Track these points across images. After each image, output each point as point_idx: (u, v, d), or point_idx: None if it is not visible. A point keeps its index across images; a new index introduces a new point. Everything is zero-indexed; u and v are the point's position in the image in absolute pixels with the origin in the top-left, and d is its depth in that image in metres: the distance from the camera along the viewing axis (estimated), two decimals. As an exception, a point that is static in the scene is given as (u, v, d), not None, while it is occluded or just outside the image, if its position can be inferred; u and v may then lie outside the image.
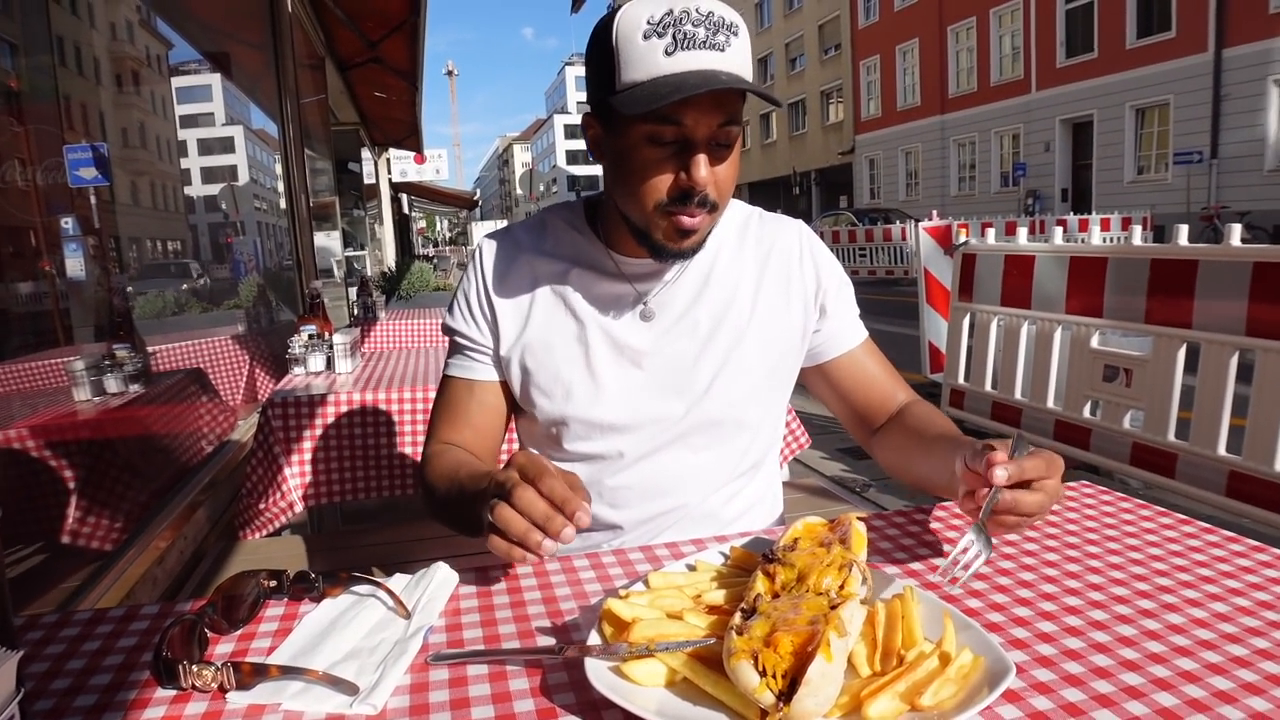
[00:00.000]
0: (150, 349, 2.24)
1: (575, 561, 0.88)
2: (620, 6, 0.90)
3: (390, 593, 0.78)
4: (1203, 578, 0.78)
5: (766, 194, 37.14)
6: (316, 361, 2.46)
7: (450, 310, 1.15)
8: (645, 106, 0.86)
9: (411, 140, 11.49)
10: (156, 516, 1.97)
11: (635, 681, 0.61)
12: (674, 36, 0.87)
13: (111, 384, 1.93)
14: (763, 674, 0.55)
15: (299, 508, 2.07)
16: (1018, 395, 3.68)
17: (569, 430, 1.09)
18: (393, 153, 13.98)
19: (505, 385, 1.14)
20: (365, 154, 11.06)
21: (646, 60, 0.88)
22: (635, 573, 0.85)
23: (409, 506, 2.59)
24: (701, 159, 0.91)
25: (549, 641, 0.71)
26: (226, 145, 3.71)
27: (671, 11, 0.87)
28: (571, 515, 0.74)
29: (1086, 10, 20.51)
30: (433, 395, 2.10)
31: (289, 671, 0.64)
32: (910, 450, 1.05)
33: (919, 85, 27.02)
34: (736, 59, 0.89)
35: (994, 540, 0.81)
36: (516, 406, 1.16)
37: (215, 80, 3.57)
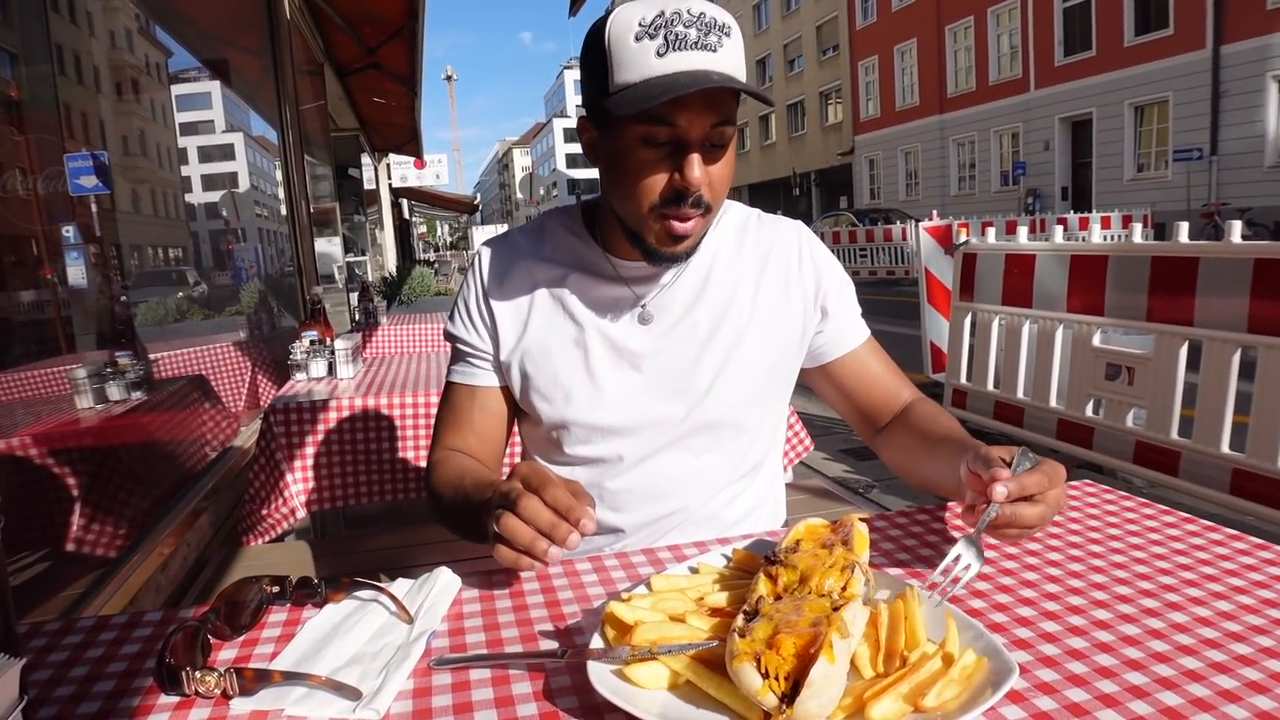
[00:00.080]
0: (152, 356, 2.24)
1: (577, 565, 0.88)
2: (614, 10, 0.90)
3: (393, 597, 0.78)
4: (1206, 576, 0.78)
5: (766, 195, 37.15)
6: (318, 367, 2.46)
7: (451, 317, 1.15)
8: (637, 107, 0.87)
9: (411, 145, 11.51)
10: (159, 523, 1.97)
11: (638, 684, 0.61)
12: (665, 38, 0.87)
13: (114, 391, 1.93)
14: (765, 676, 0.55)
15: (301, 513, 2.07)
16: (1020, 394, 3.68)
17: (569, 434, 1.09)
18: (393, 158, 14.02)
19: (507, 390, 1.14)
20: (365, 159, 11.08)
21: (639, 62, 0.88)
22: (637, 575, 0.85)
23: (412, 510, 2.59)
24: (695, 159, 0.91)
25: (552, 645, 0.71)
26: (227, 152, 3.72)
27: (663, 13, 0.88)
28: (576, 522, 0.76)
29: (1084, 8, 20.53)
30: (434, 400, 2.11)
31: (292, 677, 0.64)
32: (916, 451, 1.05)
33: (917, 85, 27.04)
34: (729, 59, 0.90)
35: (986, 553, 0.81)
36: (519, 411, 1.16)
37: (215, 87, 3.58)
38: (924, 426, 1.05)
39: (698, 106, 0.89)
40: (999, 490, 0.74)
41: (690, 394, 1.06)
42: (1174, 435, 2.89)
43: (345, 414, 2.10)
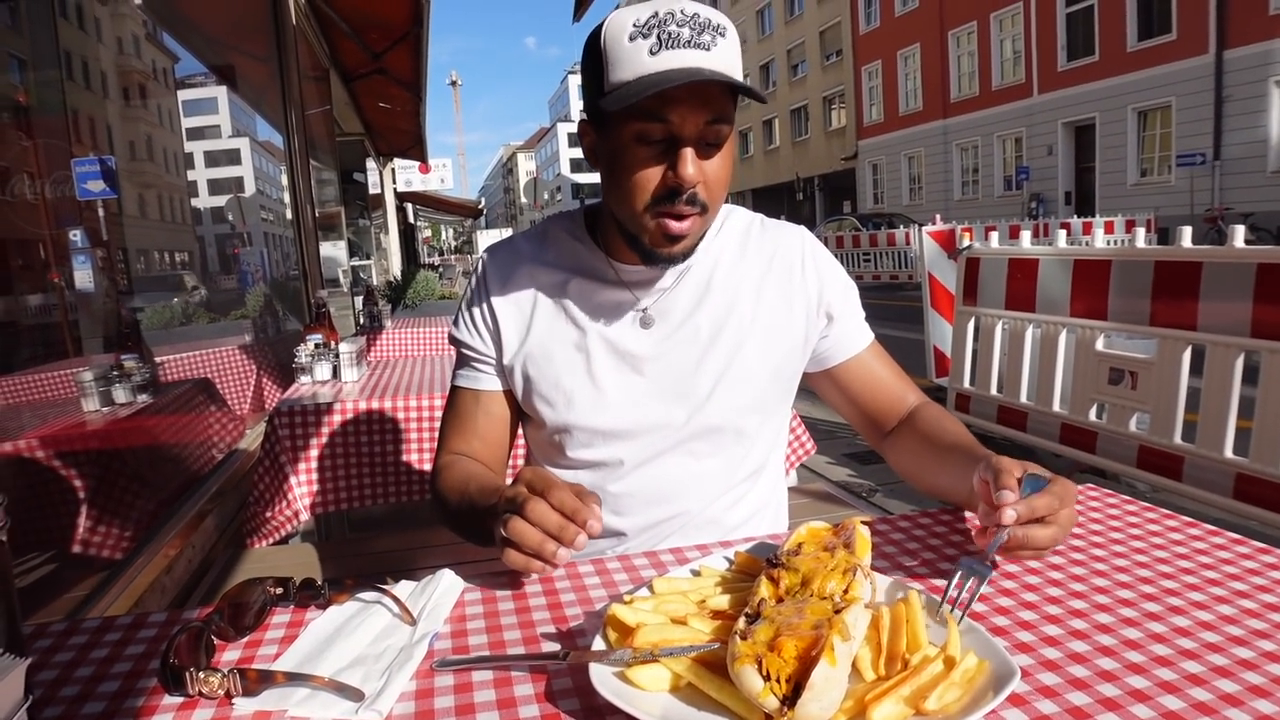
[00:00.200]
0: (158, 359, 2.25)
1: (580, 567, 0.88)
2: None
3: (395, 599, 0.78)
4: (1208, 580, 0.78)
5: (770, 200, 37.17)
6: (323, 370, 2.47)
7: (456, 322, 1.16)
8: (625, 102, 0.88)
9: (416, 150, 11.54)
10: (164, 525, 1.97)
11: (639, 686, 0.61)
12: (658, 36, 0.88)
13: (120, 394, 1.94)
14: (767, 678, 0.56)
15: (305, 515, 2.08)
16: (1023, 399, 3.67)
17: (571, 438, 1.09)
18: (397, 162, 14.05)
19: (510, 394, 1.14)
20: (370, 164, 11.12)
21: (632, 60, 0.89)
22: (640, 578, 0.85)
23: (416, 513, 2.59)
24: (688, 154, 0.91)
25: (553, 647, 0.71)
26: (233, 157, 3.73)
27: (657, 14, 0.89)
28: (583, 524, 0.77)
29: (1087, 13, 20.53)
30: (438, 403, 2.11)
31: (295, 678, 0.64)
32: (924, 457, 1.05)
33: (921, 90, 27.05)
34: (722, 58, 0.90)
35: (997, 559, 0.80)
36: (523, 414, 1.16)
37: (221, 93, 3.60)
38: (932, 432, 1.05)
39: (691, 103, 0.90)
40: (1008, 514, 0.74)
41: (692, 399, 1.06)
42: (1177, 440, 2.88)
43: (349, 417, 2.10)
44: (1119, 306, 3.14)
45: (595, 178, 1.04)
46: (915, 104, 27.49)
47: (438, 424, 1.20)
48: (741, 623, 0.62)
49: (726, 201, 1.13)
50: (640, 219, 0.96)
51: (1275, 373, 2.53)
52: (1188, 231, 2.98)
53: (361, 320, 4.31)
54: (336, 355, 2.46)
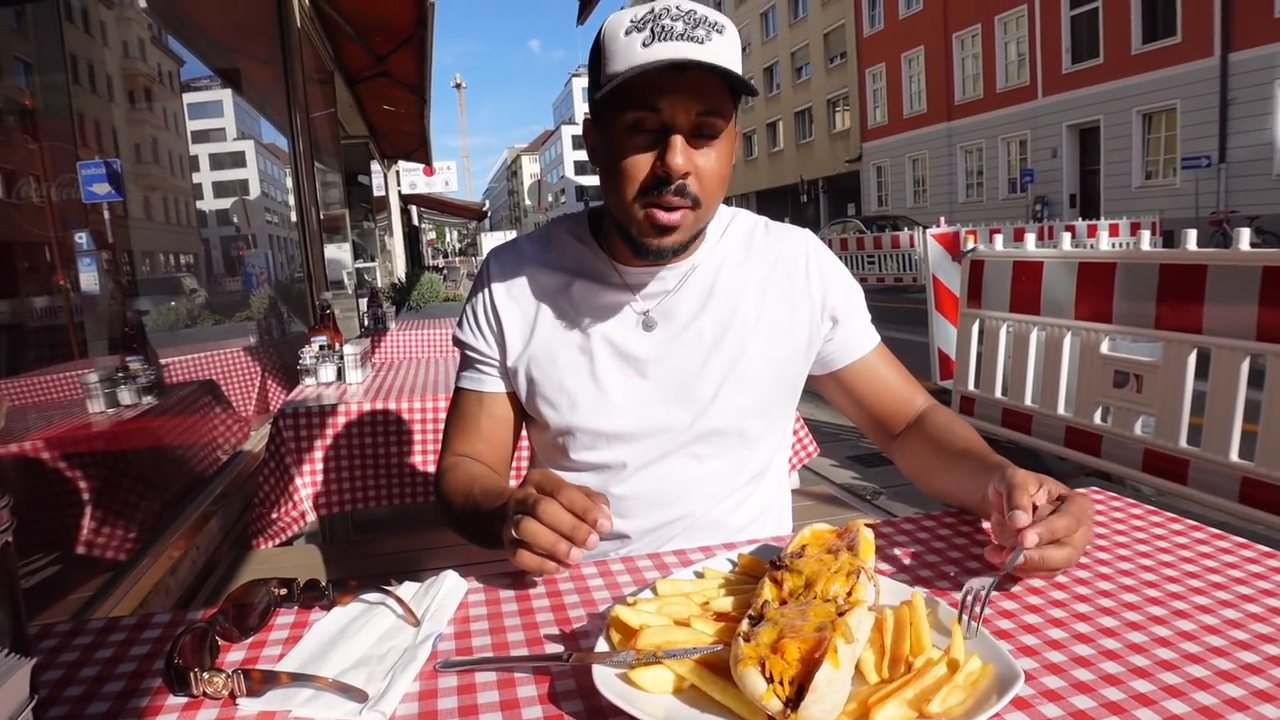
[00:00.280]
0: (163, 361, 2.26)
1: (583, 569, 0.88)
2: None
3: (399, 600, 0.78)
4: (1213, 584, 0.78)
5: (774, 202, 37.17)
6: (327, 372, 2.47)
7: (460, 324, 1.16)
8: (613, 85, 0.90)
9: (420, 152, 11.57)
10: (169, 527, 1.98)
11: (643, 688, 0.61)
12: (652, 30, 0.90)
13: (125, 396, 1.95)
14: (770, 681, 0.56)
15: (311, 517, 2.08)
16: (1028, 402, 3.66)
17: (575, 440, 1.09)
18: (402, 165, 14.07)
19: (514, 396, 1.15)
20: (375, 167, 11.14)
21: (626, 53, 0.91)
22: (643, 580, 0.85)
23: (420, 514, 2.59)
24: (676, 142, 0.92)
25: (557, 649, 0.71)
26: (238, 160, 3.74)
27: (653, 10, 0.91)
28: (594, 523, 0.78)
29: (1092, 16, 20.50)
30: (442, 405, 2.12)
31: (299, 678, 0.64)
32: (934, 462, 1.05)
33: (925, 92, 27.03)
34: (716, 52, 0.91)
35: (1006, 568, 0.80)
36: (528, 416, 1.16)
37: (226, 96, 3.61)
38: (942, 437, 1.05)
39: (682, 93, 0.91)
40: (1030, 538, 0.74)
41: (695, 401, 1.06)
42: (1183, 443, 2.87)
43: (354, 419, 2.11)
44: (1124, 309, 3.13)
45: (599, 180, 1.05)
46: (919, 106, 27.47)
47: (442, 426, 1.20)
48: (745, 625, 0.62)
49: (730, 204, 1.14)
50: (630, 209, 0.96)
51: (1281, 376, 2.52)
52: (1193, 234, 2.98)
53: (366, 322, 4.32)
54: (341, 357, 2.46)
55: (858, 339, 1.14)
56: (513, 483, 1.19)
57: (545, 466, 1.17)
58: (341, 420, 2.10)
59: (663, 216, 0.95)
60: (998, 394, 3.88)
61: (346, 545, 2.48)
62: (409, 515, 2.79)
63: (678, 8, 0.91)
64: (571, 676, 0.66)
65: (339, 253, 7.15)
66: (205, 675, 0.64)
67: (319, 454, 2.08)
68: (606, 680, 0.61)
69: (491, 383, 1.14)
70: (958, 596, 0.72)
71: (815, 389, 1.20)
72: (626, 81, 0.90)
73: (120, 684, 0.68)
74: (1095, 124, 20.80)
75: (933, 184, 27.23)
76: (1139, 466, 3.05)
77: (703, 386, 1.06)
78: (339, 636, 0.74)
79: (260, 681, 0.64)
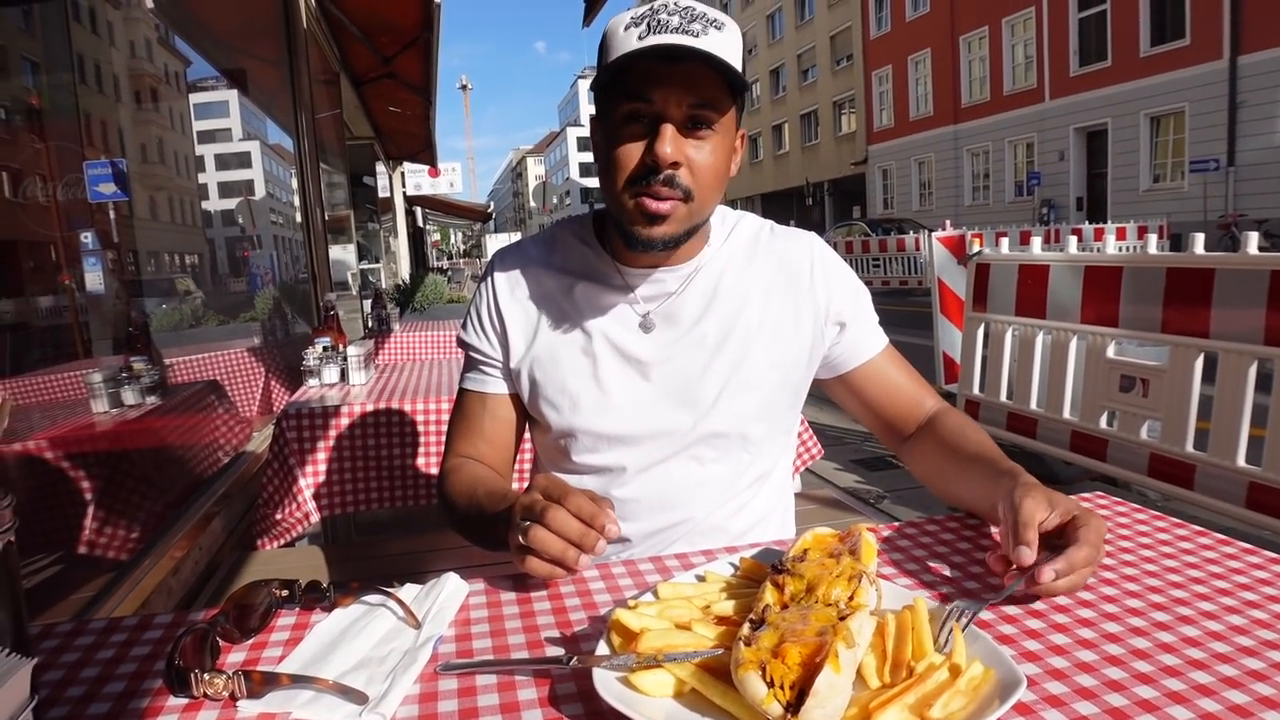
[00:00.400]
0: (167, 361, 2.26)
1: (585, 572, 0.88)
2: None
3: (400, 602, 0.78)
4: (1219, 590, 0.77)
5: (779, 205, 37.16)
6: (331, 373, 2.48)
7: (464, 325, 1.17)
8: (607, 74, 0.92)
9: (425, 154, 11.60)
10: (172, 527, 1.99)
11: (643, 692, 0.61)
12: (649, 24, 0.92)
13: (129, 396, 1.95)
14: (770, 685, 0.55)
15: (315, 517, 2.08)
16: (1033, 406, 3.65)
17: (577, 442, 1.09)
18: (407, 166, 14.10)
19: (517, 398, 1.15)
20: (380, 168, 11.16)
21: (623, 47, 0.92)
22: (644, 583, 0.85)
23: (423, 516, 2.59)
24: (666, 131, 0.92)
25: (557, 652, 0.71)
26: (243, 160, 3.76)
27: (652, 6, 0.93)
28: (601, 529, 0.78)
29: (1100, 18, 20.45)
30: (446, 407, 2.12)
31: (299, 680, 0.64)
32: (944, 466, 1.05)
33: (931, 95, 27.01)
34: (711, 46, 0.91)
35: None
36: (531, 418, 1.16)
37: (232, 96, 3.63)
38: (953, 441, 1.04)
39: (674, 85, 0.91)
40: (1046, 574, 0.72)
41: (698, 405, 1.06)
42: (1189, 448, 2.85)
43: (357, 420, 2.11)
44: (1130, 313, 3.12)
45: (597, 175, 1.05)
46: (926, 109, 27.44)
47: (445, 428, 1.21)
48: (746, 629, 0.62)
49: (736, 207, 1.13)
50: (620, 198, 0.97)
51: (1288, 380, 2.50)
52: (1200, 238, 2.96)
53: (370, 323, 4.33)
54: (344, 358, 2.47)
55: (865, 342, 1.14)
56: (515, 485, 1.20)
57: (547, 469, 1.17)
58: (345, 422, 2.10)
59: (651, 205, 0.95)
60: (1003, 398, 3.87)
61: (349, 547, 2.49)
62: (411, 517, 2.79)
63: (675, 3, 0.93)
64: (572, 679, 0.65)
65: (343, 254, 7.17)
66: (206, 676, 0.64)
67: (322, 455, 2.08)
68: (607, 683, 0.61)
69: (495, 384, 1.14)
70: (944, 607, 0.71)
71: (825, 392, 1.20)
72: (622, 74, 0.91)
73: (121, 685, 0.68)
74: (1103, 127, 20.75)
75: (939, 187, 27.19)
76: (1145, 471, 3.03)
77: (705, 389, 1.06)
78: (340, 638, 0.74)
79: (261, 683, 0.64)
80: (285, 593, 0.80)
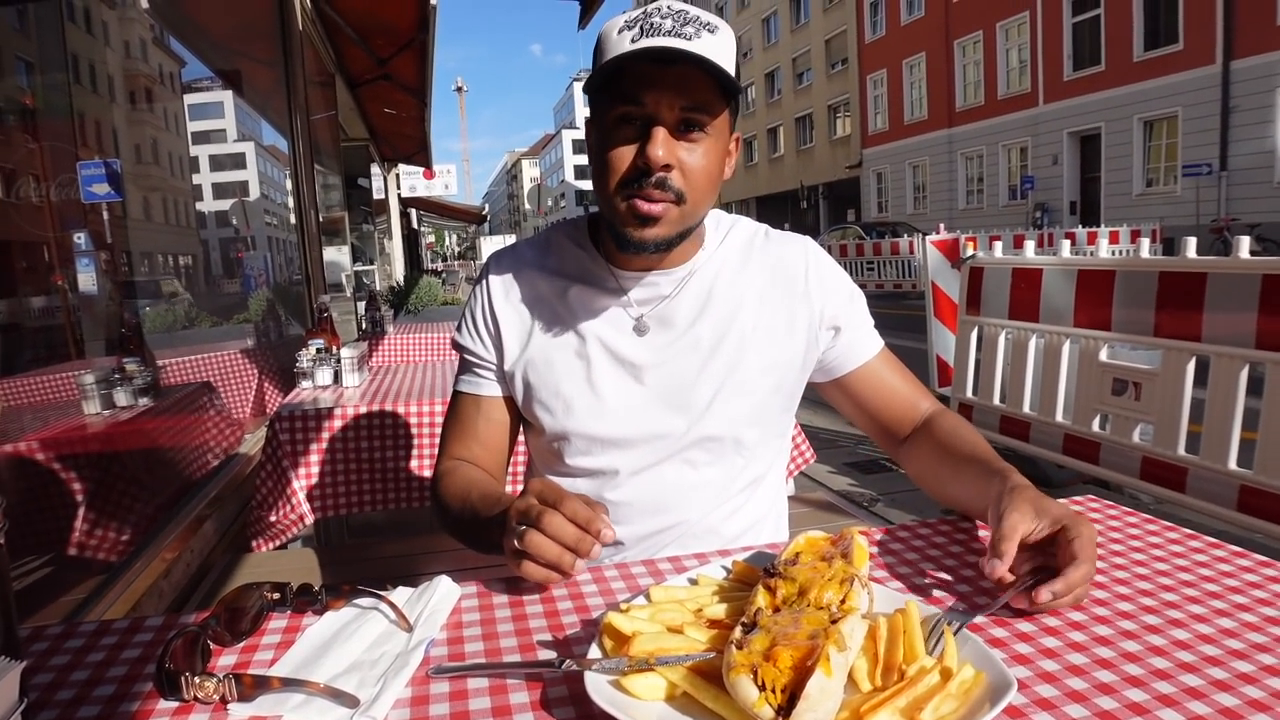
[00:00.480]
0: (159, 362, 2.25)
1: (577, 576, 0.88)
2: None
3: (392, 605, 0.78)
4: (1209, 592, 0.78)
5: (774, 208, 37.22)
6: (324, 375, 2.47)
7: (459, 328, 1.17)
8: (599, 79, 0.92)
9: (421, 156, 11.58)
10: (163, 529, 1.98)
11: (635, 695, 0.61)
12: (641, 27, 0.92)
13: (121, 397, 1.94)
14: (762, 688, 0.55)
15: (309, 519, 2.08)
16: (1026, 409, 3.66)
17: (570, 445, 1.09)
18: (402, 168, 14.09)
19: (511, 400, 1.15)
20: (375, 169, 11.15)
21: (616, 50, 0.92)
22: (637, 586, 0.85)
23: (416, 519, 2.59)
24: (657, 134, 0.92)
25: (550, 655, 0.71)
26: (238, 161, 3.75)
27: (645, 10, 0.93)
28: (597, 534, 0.78)
29: (1094, 23, 20.55)
30: (440, 409, 2.11)
31: (291, 683, 0.64)
32: (939, 467, 1.05)
33: (926, 99, 27.10)
34: (704, 49, 0.91)
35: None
36: (524, 421, 1.16)
37: (227, 97, 3.62)
38: (948, 443, 1.05)
39: (666, 87, 0.92)
40: (1044, 595, 0.72)
41: (691, 409, 1.06)
42: (1181, 451, 2.87)
43: (351, 422, 2.10)
44: (1123, 317, 3.13)
45: (591, 179, 1.05)
46: (920, 113, 27.52)
47: (439, 430, 1.20)
48: (738, 632, 0.62)
49: (730, 210, 1.13)
50: (613, 200, 0.97)
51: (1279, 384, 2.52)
52: (1192, 242, 2.97)
53: (364, 325, 4.32)
54: (338, 360, 2.46)
55: (860, 346, 1.14)
56: (509, 488, 1.19)
57: (540, 471, 1.17)
58: (338, 424, 2.09)
59: (643, 207, 0.95)
60: (996, 401, 3.88)
61: (341, 550, 2.48)
62: (405, 520, 2.78)
63: (668, 7, 0.93)
64: (564, 683, 0.65)
65: (338, 255, 7.16)
66: (196, 680, 0.64)
67: (315, 457, 2.08)
68: (599, 687, 0.61)
69: (489, 387, 1.14)
70: (936, 611, 0.71)
71: (820, 395, 1.20)
72: (615, 77, 0.92)
73: (111, 688, 0.68)
74: (1096, 131, 20.84)
75: (933, 190, 27.27)
76: (1137, 474, 3.04)
77: (698, 393, 1.06)
78: (331, 641, 0.73)
79: (252, 686, 0.64)
80: (277, 595, 0.79)
